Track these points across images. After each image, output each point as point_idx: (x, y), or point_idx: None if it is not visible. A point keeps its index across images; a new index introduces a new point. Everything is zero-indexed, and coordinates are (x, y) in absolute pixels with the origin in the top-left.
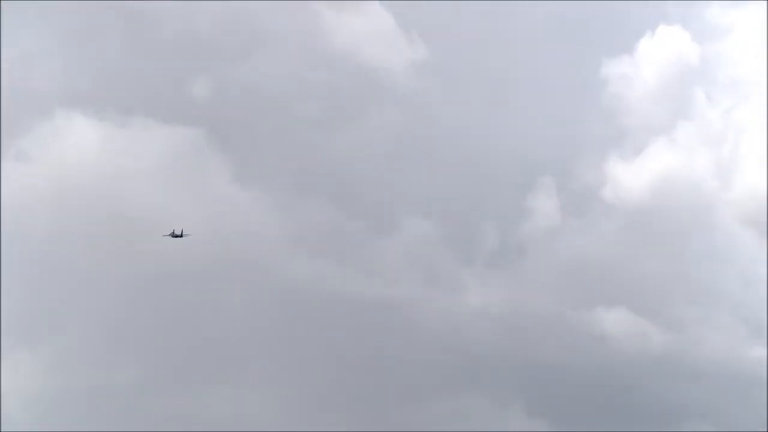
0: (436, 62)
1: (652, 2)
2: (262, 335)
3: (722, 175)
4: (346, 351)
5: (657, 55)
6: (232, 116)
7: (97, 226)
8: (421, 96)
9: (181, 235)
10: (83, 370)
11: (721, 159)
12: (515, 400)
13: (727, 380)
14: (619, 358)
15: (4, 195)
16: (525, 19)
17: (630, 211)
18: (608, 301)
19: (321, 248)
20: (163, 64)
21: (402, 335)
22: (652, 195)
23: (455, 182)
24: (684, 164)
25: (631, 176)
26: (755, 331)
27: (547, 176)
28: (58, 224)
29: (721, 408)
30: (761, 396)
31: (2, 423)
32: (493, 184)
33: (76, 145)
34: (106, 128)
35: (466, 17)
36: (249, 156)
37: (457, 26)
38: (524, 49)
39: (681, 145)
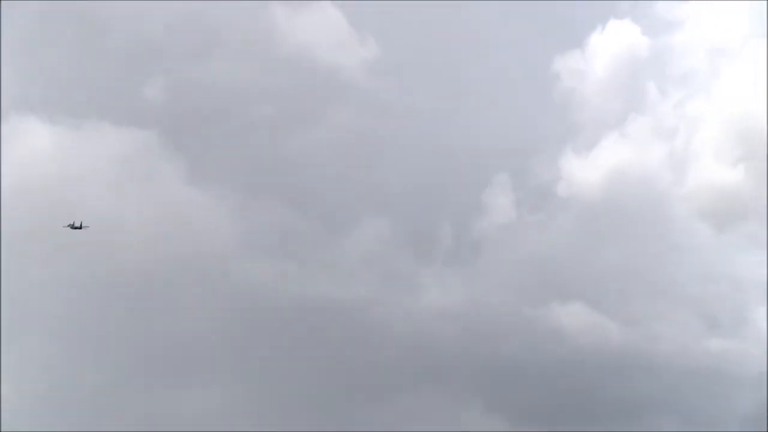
0: (389, 61)
1: None
2: (222, 336)
3: (676, 168)
4: (306, 351)
5: (608, 49)
6: (186, 118)
7: (52, 229)
8: (375, 95)
9: (80, 227)
10: (47, 373)
11: (674, 152)
12: (474, 397)
13: (686, 374)
14: (577, 353)
15: None
16: (476, 18)
17: (585, 205)
18: (565, 297)
19: (278, 249)
20: (115, 67)
21: (361, 335)
22: (607, 189)
23: (411, 181)
24: (637, 158)
25: (586, 171)
26: (712, 324)
27: (502, 173)
28: (11, 227)
29: (681, 402)
30: (720, 388)
31: None
32: (449, 182)
33: (28, 148)
34: (59, 131)
35: (417, 16)
36: (203, 158)
37: (409, 25)
38: (476, 46)
39: (634, 139)
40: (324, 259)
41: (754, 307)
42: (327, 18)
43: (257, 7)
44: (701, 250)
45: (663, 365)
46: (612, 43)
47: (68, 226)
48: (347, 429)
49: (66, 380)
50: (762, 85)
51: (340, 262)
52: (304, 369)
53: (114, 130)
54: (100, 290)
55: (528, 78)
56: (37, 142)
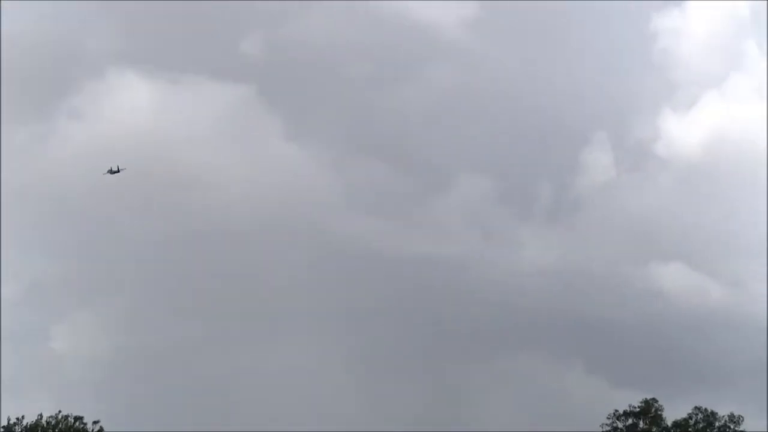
0: (487, 18)
1: None
2: (318, 293)
3: None
4: (404, 309)
5: (707, 7)
6: (284, 74)
7: (149, 184)
8: (473, 52)
9: (118, 171)
10: (141, 329)
11: None
12: (575, 358)
13: None
14: (677, 313)
15: (57, 152)
16: None
17: (684, 165)
18: (664, 257)
19: (375, 206)
20: (213, 23)
21: (460, 293)
22: (706, 149)
23: (509, 138)
24: (737, 117)
25: (685, 130)
26: None
27: (600, 131)
28: (109, 181)
29: None
30: None
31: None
32: (548, 140)
33: (127, 102)
34: (158, 86)
35: None
36: (301, 114)
37: None
38: (574, 4)
39: (734, 98)
40: (422, 216)
41: None
42: None
43: None
44: None
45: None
46: (711, 2)
47: (107, 172)
48: (446, 388)
49: (161, 333)
50: None
51: (438, 220)
52: (402, 327)
53: (212, 85)
54: (197, 245)
55: (626, 37)
56: (135, 97)
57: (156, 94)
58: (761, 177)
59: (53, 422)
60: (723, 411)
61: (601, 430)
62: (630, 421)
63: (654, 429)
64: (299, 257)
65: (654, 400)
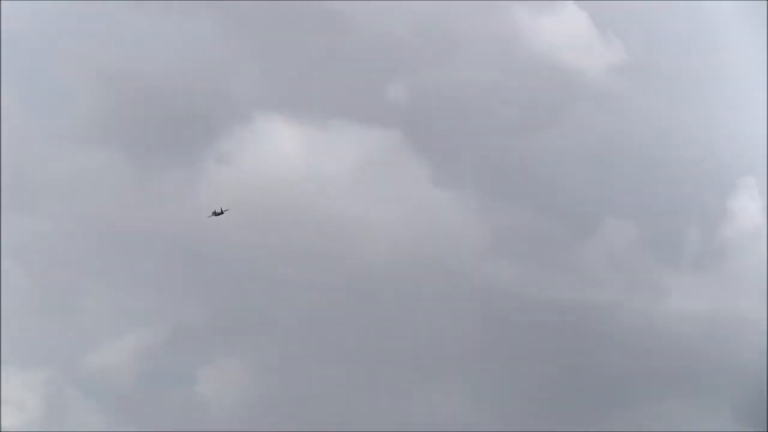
0: (634, 62)
1: None
2: (464, 338)
3: None
4: (549, 354)
5: None
6: (429, 119)
7: (297, 228)
8: (620, 97)
9: (222, 213)
10: (288, 375)
11: None
12: (722, 406)
13: None
14: None
15: (205, 197)
16: (723, 18)
17: None
18: None
19: (520, 251)
20: (360, 67)
21: (605, 339)
22: None
23: (655, 183)
24: None
25: None
26: None
27: (748, 177)
28: (257, 226)
29: None
30: None
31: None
32: (694, 185)
33: (275, 147)
34: (305, 131)
35: (662, 15)
36: (447, 158)
37: (654, 25)
38: (722, 48)
39: None
40: (568, 262)
41: None
42: (571, 19)
43: (501, 8)
44: None
45: None
46: None
47: (212, 214)
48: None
49: (306, 379)
50: None
51: (583, 265)
52: (547, 372)
53: (359, 130)
54: (341, 290)
55: None
56: (282, 141)
57: (303, 138)
58: None
59: None
60: None
61: None
62: None
63: None
64: (444, 302)
65: None
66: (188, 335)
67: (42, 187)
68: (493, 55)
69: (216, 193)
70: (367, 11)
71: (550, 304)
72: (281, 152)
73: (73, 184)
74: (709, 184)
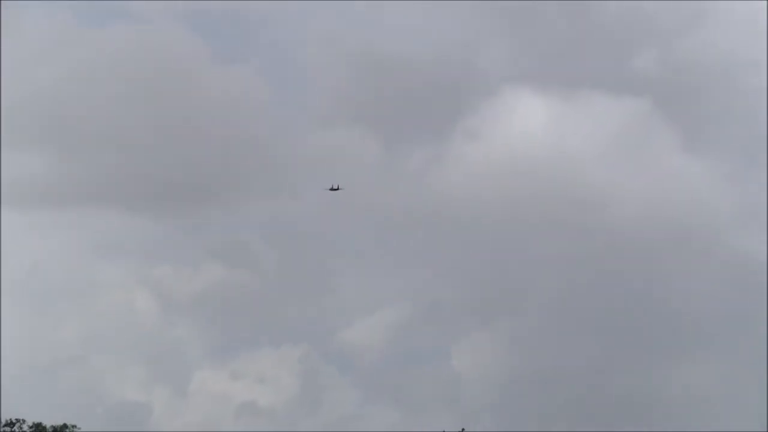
0: None
1: None
2: (714, 310)
3: None
4: None
5: None
6: (679, 86)
7: (546, 201)
8: None
9: (338, 189)
10: (540, 349)
11: None
12: None
13: None
14: None
15: (453, 173)
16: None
17: None
18: None
19: None
20: (607, 38)
21: None
22: None
23: None
24: None
25: None
26: None
27: None
28: (506, 201)
29: None
30: None
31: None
32: None
33: (523, 121)
34: (553, 102)
35: None
36: (696, 126)
37: None
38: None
39: None
40: None
41: None
42: None
43: None
44: None
45: None
46: None
47: (329, 189)
48: None
49: (559, 353)
50: None
51: None
52: None
53: (607, 100)
54: (592, 263)
55: None
56: (529, 114)
57: (550, 110)
58: None
59: None
60: None
61: None
62: None
63: None
64: (695, 273)
65: None
66: (441, 311)
67: (293, 167)
68: (739, 22)
69: (462, 168)
70: None
71: None
72: (529, 125)
73: (324, 163)
74: None
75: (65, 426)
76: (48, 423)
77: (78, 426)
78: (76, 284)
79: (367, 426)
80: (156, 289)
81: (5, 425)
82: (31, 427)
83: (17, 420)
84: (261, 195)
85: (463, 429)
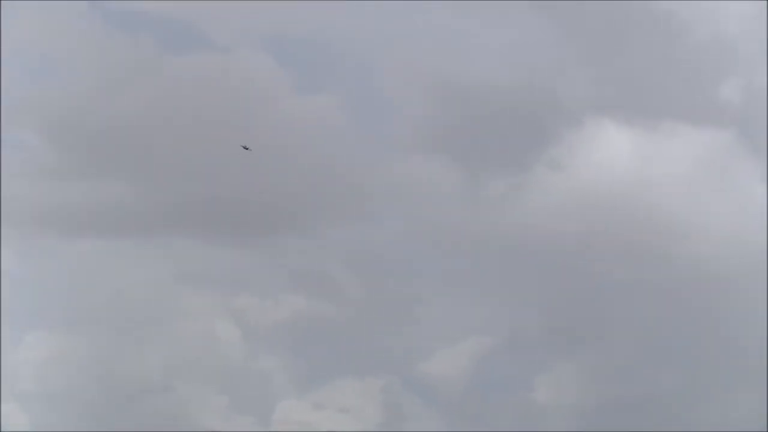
0: None
1: None
2: None
3: None
4: None
5: None
6: (762, 118)
7: (630, 230)
8: None
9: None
10: (624, 379)
11: None
12: None
13: None
14: None
15: (535, 201)
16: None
17: None
18: None
19: None
20: (692, 68)
21: None
22: None
23: None
24: None
25: None
26: None
27: None
28: (591, 231)
29: None
30: None
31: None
32: None
33: (606, 151)
34: (636, 133)
35: None
36: None
37: None
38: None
39: None
40: None
41: None
42: None
43: None
44: None
45: None
46: None
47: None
48: None
49: (640, 383)
50: None
51: None
52: None
53: (691, 130)
54: (676, 292)
55: None
56: (613, 145)
57: (634, 141)
58: None
59: None
60: None
61: None
62: None
63: None
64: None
65: None
66: (524, 341)
67: (375, 195)
68: None
69: (544, 198)
70: (698, 10)
71: None
72: (613, 156)
73: (405, 191)
74: None
75: None
76: None
77: None
78: (158, 313)
79: None
80: (238, 318)
81: None
82: None
83: None
84: (342, 223)
85: None
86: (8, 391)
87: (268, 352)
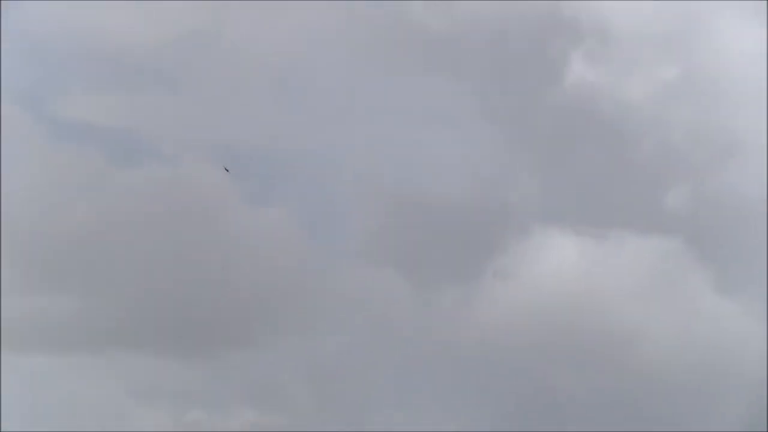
0: None
1: None
2: None
3: None
4: None
5: None
6: (711, 225)
7: (578, 339)
8: None
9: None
10: None
11: None
12: None
13: None
14: None
15: (484, 311)
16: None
17: None
18: None
19: None
20: (638, 177)
21: None
22: None
23: None
24: None
25: None
26: None
27: None
28: (537, 340)
29: None
30: None
31: None
32: None
33: (553, 260)
34: (584, 242)
35: None
36: (730, 266)
37: None
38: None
39: None
40: None
41: None
42: None
43: None
44: None
45: None
46: None
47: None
48: None
49: None
50: None
51: None
52: None
53: (637, 239)
54: (625, 402)
55: None
56: (561, 254)
57: (581, 249)
58: None
59: None
60: None
61: None
62: None
63: None
64: (727, 412)
65: None
66: None
67: (326, 307)
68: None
69: (494, 308)
70: (646, 122)
71: None
72: (560, 265)
73: (356, 303)
74: None
75: None
76: None
77: None
78: (110, 428)
79: None
80: None
81: None
82: None
83: None
84: (293, 335)
85: None
86: None
87: None
